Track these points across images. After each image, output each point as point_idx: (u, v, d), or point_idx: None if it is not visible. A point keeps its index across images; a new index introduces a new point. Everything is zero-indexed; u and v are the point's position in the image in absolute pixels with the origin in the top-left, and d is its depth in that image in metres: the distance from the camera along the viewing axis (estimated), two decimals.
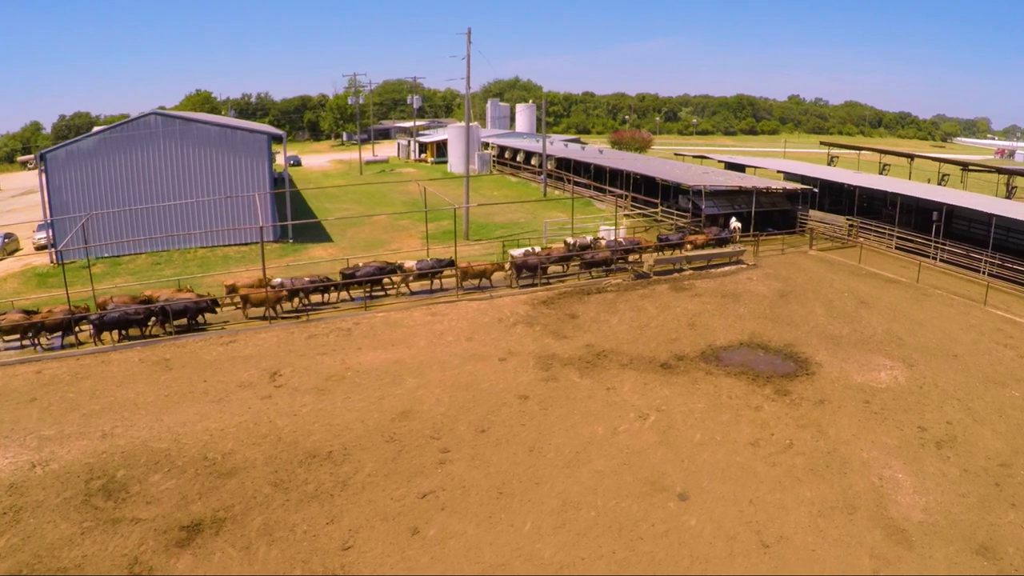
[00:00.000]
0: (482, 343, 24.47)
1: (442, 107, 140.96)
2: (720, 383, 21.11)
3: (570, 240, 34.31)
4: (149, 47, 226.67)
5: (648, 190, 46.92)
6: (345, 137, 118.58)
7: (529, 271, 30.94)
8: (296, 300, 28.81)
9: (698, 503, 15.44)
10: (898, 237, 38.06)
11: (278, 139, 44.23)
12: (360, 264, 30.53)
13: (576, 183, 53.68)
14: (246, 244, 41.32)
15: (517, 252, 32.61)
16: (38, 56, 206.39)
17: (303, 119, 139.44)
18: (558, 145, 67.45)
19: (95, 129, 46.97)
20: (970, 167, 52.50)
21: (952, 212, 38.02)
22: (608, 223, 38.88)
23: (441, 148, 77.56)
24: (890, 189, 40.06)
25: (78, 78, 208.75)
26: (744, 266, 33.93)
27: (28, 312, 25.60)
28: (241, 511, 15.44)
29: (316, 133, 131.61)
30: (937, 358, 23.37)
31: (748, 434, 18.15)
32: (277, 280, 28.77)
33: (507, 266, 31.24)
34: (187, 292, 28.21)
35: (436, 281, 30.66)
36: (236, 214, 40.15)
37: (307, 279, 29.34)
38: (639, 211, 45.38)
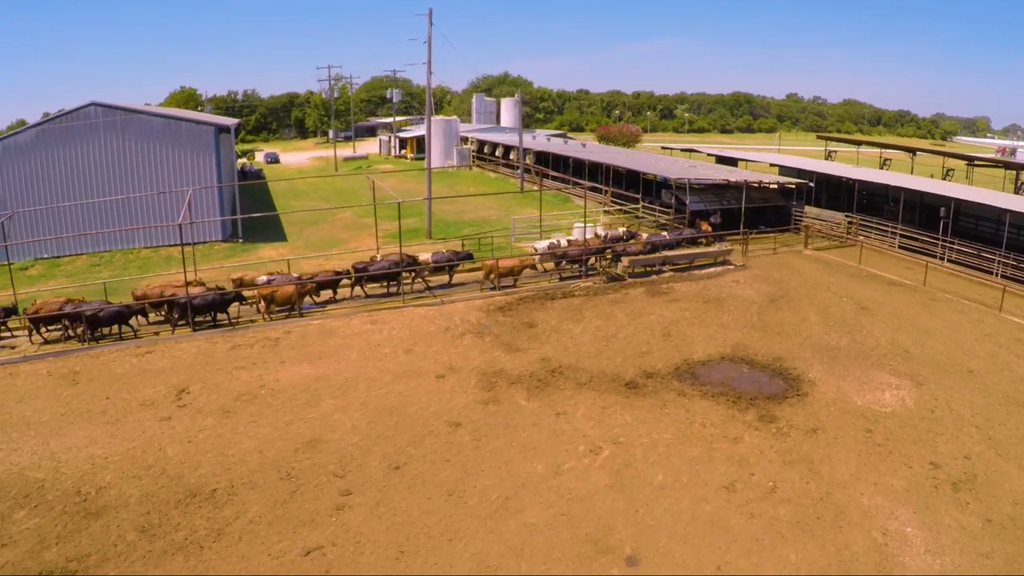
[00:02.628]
0: (421, 356, 21.13)
1: None
2: (694, 407, 17.72)
3: (601, 232, 32.56)
4: (137, 45, 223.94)
5: (631, 185, 43.56)
6: (331, 134, 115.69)
7: (570, 262, 29.25)
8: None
9: (651, 570, 12.05)
10: (901, 235, 34.71)
11: (227, 130, 40.83)
12: (378, 257, 28.20)
13: (554, 178, 50.27)
14: (191, 244, 38.26)
15: (541, 245, 30.52)
16: (24, 54, 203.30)
17: (290, 116, 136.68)
18: (541, 140, 64.02)
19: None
20: (976, 162, 49.41)
21: (958, 209, 34.68)
22: (584, 220, 35.45)
23: (421, 144, 74.19)
24: (893, 183, 36.72)
25: (65, 76, 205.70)
26: (731, 267, 30.58)
27: (5, 309, 24.31)
28: (96, 562, 12.74)
29: (303, 130, 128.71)
30: (949, 374, 20.03)
31: (722, 474, 14.76)
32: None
33: (537, 260, 29.17)
34: (198, 285, 26.21)
35: (448, 277, 28.60)
36: (180, 211, 37.00)
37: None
38: (619, 207, 41.98)
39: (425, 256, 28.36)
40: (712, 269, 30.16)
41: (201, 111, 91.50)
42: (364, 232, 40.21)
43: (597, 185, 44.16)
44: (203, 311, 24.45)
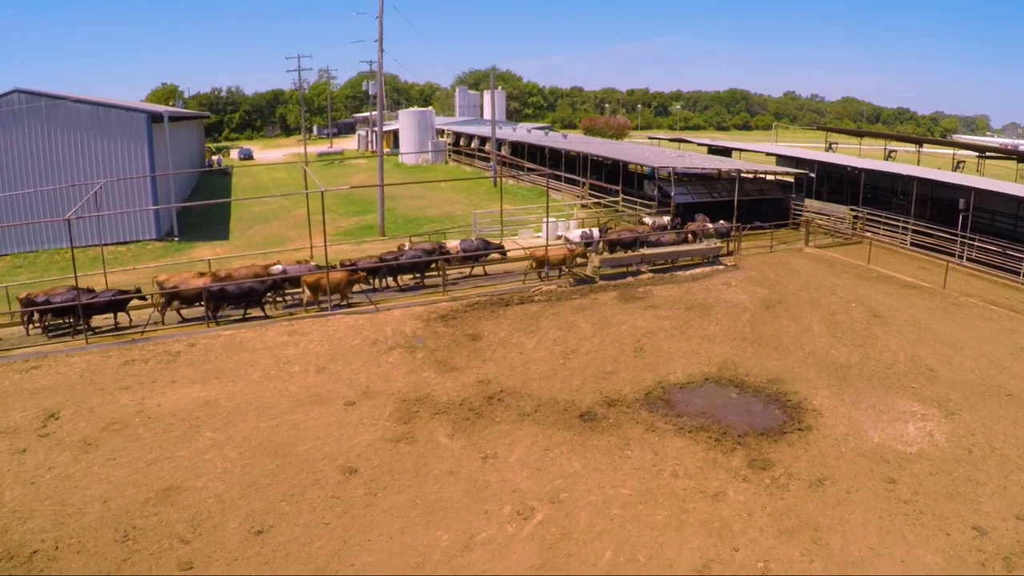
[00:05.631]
0: (334, 377, 17.20)
1: (419, 100, 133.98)
2: (665, 448, 13.77)
3: (648, 220, 30.92)
4: (124, 43, 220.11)
5: (612, 178, 39.65)
6: (315, 130, 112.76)
7: (623, 248, 27.46)
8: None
9: None
10: (913, 231, 30.81)
11: (159, 119, 37.09)
12: (407, 246, 26.54)
13: (531, 170, 46.27)
14: (124, 243, 34.56)
15: (574, 235, 28.46)
16: (13, 53, 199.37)
17: (275, 113, 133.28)
18: (520, 132, 60.09)
19: None
20: (988, 153, 45.85)
21: (972, 203, 30.92)
22: (558, 216, 31.64)
23: (398, 138, 70.48)
24: (903, 173, 32.86)
25: (53, 73, 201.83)
26: (721, 267, 26.69)
27: None
28: None
29: (287, 128, 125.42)
30: (985, 400, 16.13)
31: (695, 550, 10.80)
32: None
33: (579, 248, 26.36)
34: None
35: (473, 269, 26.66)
36: (110, 207, 33.27)
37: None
38: (596, 200, 38.02)
39: (453, 243, 26.07)
40: (699, 269, 26.26)
41: (172, 106, 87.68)
42: (315, 230, 36.41)
43: (573, 176, 40.23)
44: (238, 302, 22.05)
